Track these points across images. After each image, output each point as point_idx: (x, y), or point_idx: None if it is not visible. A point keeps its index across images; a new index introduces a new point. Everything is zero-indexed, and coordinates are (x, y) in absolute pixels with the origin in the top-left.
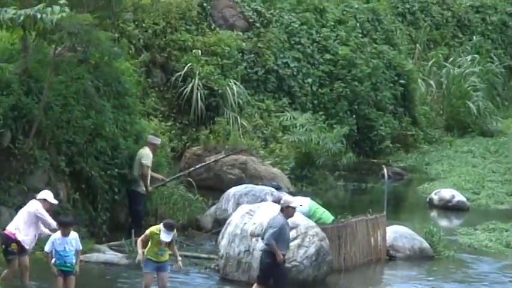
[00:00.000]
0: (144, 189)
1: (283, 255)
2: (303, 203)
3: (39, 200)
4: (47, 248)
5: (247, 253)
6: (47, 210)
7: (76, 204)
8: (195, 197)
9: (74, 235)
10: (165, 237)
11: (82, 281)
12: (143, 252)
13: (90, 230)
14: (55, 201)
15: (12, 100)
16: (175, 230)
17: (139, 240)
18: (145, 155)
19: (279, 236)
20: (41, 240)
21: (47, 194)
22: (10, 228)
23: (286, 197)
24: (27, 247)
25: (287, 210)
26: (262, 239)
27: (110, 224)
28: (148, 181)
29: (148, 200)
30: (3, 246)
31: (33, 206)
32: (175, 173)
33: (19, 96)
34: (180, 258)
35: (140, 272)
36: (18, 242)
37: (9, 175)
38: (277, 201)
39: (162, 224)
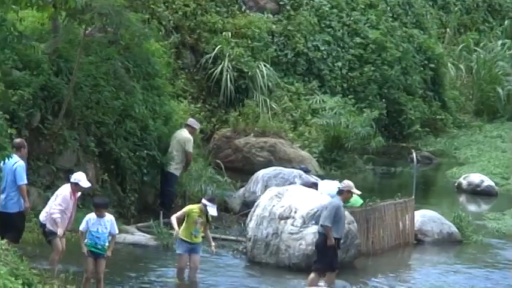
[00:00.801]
0: (179, 172)
1: (339, 239)
2: (331, 186)
3: (71, 183)
4: (81, 226)
5: (275, 236)
6: (75, 191)
7: (105, 185)
8: (224, 179)
9: (109, 217)
10: (213, 210)
11: (110, 262)
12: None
13: (118, 211)
14: (87, 184)
15: (42, 80)
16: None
17: (174, 217)
18: (188, 140)
19: (334, 218)
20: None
21: (80, 177)
22: (41, 216)
23: (348, 182)
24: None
25: (346, 195)
26: (317, 223)
27: (138, 205)
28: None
29: (177, 182)
30: (42, 228)
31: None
32: (204, 154)
33: (49, 76)
34: (213, 243)
35: (168, 254)
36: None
37: (39, 155)
38: (306, 184)
39: (204, 199)
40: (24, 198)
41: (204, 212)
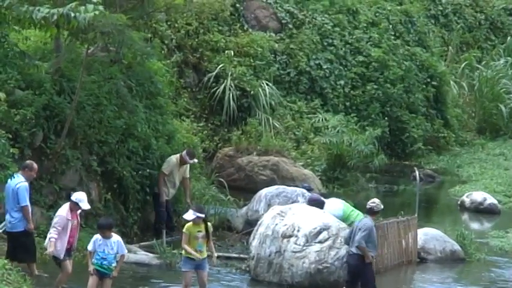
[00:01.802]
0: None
1: (372, 256)
2: (336, 205)
3: (71, 201)
4: (89, 247)
5: (278, 254)
6: (74, 211)
7: (107, 204)
8: (227, 198)
9: (116, 238)
10: (190, 216)
11: (114, 282)
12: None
13: (121, 230)
14: (87, 207)
15: (45, 99)
16: (204, 212)
17: (184, 245)
18: (167, 161)
19: (369, 238)
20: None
21: (81, 197)
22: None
23: (377, 200)
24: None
25: (375, 215)
26: (347, 244)
27: (141, 224)
28: (162, 189)
29: (178, 201)
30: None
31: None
32: (207, 173)
33: (51, 95)
34: (215, 254)
35: (171, 272)
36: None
37: (41, 175)
38: (313, 202)
39: (191, 208)
40: (27, 219)
41: (199, 223)
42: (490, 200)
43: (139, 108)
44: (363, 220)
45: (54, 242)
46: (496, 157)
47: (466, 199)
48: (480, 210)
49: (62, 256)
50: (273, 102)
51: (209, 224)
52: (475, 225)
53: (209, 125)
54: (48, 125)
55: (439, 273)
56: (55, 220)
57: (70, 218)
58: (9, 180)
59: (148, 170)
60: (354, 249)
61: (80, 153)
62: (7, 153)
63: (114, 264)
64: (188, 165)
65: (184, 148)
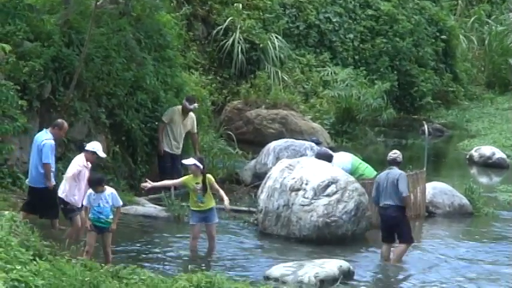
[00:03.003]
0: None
1: None
2: (344, 159)
3: (87, 151)
4: (84, 202)
5: (286, 207)
6: (91, 162)
7: (116, 157)
8: (235, 151)
9: (110, 191)
10: (189, 161)
11: (120, 233)
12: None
13: (129, 182)
14: (104, 155)
15: (53, 51)
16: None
17: (167, 180)
18: (167, 110)
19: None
20: None
21: (97, 146)
22: (59, 191)
23: (398, 152)
24: (79, 205)
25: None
26: (377, 201)
27: (149, 177)
28: (161, 138)
29: (188, 155)
30: (62, 205)
31: (75, 165)
32: (215, 126)
33: (60, 47)
34: (226, 198)
35: (179, 225)
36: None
37: (49, 127)
38: (321, 156)
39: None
40: (47, 176)
41: (197, 175)
42: (499, 154)
43: (148, 60)
44: (395, 171)
45: (68, 187)
46: (505, 111)
47: (475, 153)
48: (488, 165)
49: (79, 205)
50: (282, 56)
51: (209, 176)
52: (483, 180)
53: (218, 78)
54: (56, 76)
55: (446, 227)
56: (73, 171)
57: (87, 166)
58: (37, 134)
59: (156, 123)
60: (391, 202)
61: (89, 105)
62: (15, 105)
63: (111, 217)
64: (194, 120)
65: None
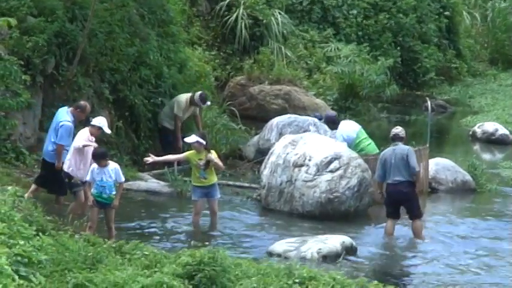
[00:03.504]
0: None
1: None
2: (352, 127)
3: (92, 125)
4: (88, 177)
5: (289, 183)
6: (95, 136)
7: (119, 132)
8: (238, 127)
9: (113, 166)
10: (191, 139)
11: (123, 209)
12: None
13: (132, 158)
14: (109, 131)
15: (57, 27)
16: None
17: (170, 155)
18: (178, 104)
19: None
20: None
21: (103, 121)
22: (65, 166)
23: (400, 127)
24: (84, 180)
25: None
26: (382, 177)
27: (152, 152)
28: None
29: (191, 130)
30: (67, 179)
31: (80, 139)
32: (219, 102)
33: (63, 23)
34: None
35: (182, 201)
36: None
37: (53, 102)
38: (328, 119)
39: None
40: (58, 157)
41: (200, 151)
42: (502, 130)
43: (152, 36)
44: (402, 146)
45: (74, 162)
46: (508, 88)
47: (478, 129)
48: (491, 141)
49: (84, 180)
50: (285, 32)
51: (212, 152)
52: (486, 156)
53: (221, 53)
54: (60, 52)
55: (449, 204)
56: (78, 144)
57: (91, 140)
58: (59, 110)
59: (160, 98)
60: (401, 177)
61: (92, 80)
62: (19, 80)
63: (114, 193)
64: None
65: (196, 89)
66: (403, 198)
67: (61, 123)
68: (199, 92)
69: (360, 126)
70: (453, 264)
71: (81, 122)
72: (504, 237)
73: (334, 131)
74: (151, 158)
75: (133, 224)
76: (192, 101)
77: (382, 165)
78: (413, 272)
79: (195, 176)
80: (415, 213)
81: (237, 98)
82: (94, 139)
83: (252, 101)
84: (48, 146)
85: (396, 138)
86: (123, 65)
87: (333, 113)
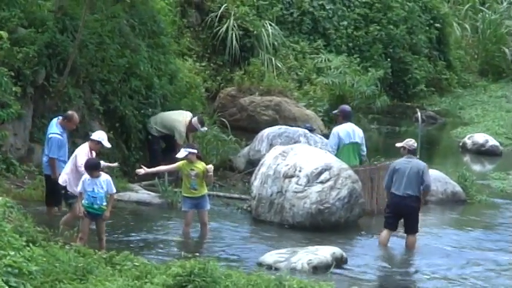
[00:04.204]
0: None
1: None
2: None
3: (92, 140)
4: (79, 188)
5: (279, 194)
6: (94, 150)
7: (109, 143)
8: (229, 138)
9: (105, 177)
10: (182, 154)
11: (114, 220)
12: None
13: (123, 169)
14: (109, 145)
15: (47, 38)
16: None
17: (162, 167)
18: (178, 132)
19: None
20: None
21: (103, 136)
22: (60, 179)
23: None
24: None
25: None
26: (388, 187)
27: (142, 163)
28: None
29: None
30: (63, 190)
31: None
32: (209, 113)
33: (54, 33)
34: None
35: (173, 212)
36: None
37: (43, 113)
38: (346, 112)
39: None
40: (52, 169)
41: (193, 161)
42: (492, 141)
43: (142, 47)
44: (417, 161)
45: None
46: (498, 99)
47: (468, 141)
48: (482, 152)
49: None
50: (275, 43)
51: (203, 165)
52: (476, 167)
53: (212, 64)
54: (50, 63)
55: (440, 215)
56: (78, 160)
57: (91, 156)
58: (51, 122)
59: (150, 109)
60: (412, 192)
61: (83, 91)
62: (9, 91)
63: (105, 204)
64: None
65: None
66: (407, 212)
67: (50, 136)
68: (196, 117)
69: (358, 132)
70: (447, 276)
71: (71, 132)
72: (496, 248)
73: (326, 141)
74: (143, 170)
75: (123, 235)
76: (190, 127)
77: (391, 175)
78: (407, 285)
79: (185, 186)
80: (415, 229)
81: (228, 109)
82: (95, 154)
83: (243, 112)
84: (44, 158)
85: (412, 151)
86: (114, 76)
87: (348, 107)
